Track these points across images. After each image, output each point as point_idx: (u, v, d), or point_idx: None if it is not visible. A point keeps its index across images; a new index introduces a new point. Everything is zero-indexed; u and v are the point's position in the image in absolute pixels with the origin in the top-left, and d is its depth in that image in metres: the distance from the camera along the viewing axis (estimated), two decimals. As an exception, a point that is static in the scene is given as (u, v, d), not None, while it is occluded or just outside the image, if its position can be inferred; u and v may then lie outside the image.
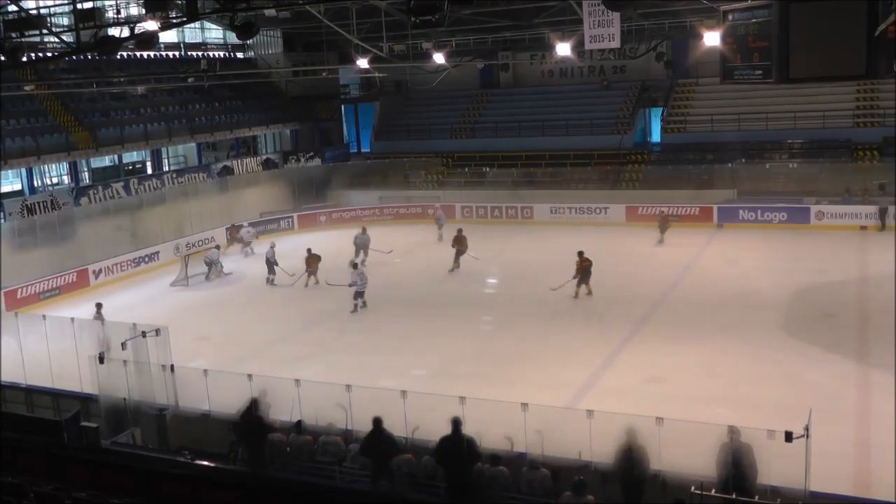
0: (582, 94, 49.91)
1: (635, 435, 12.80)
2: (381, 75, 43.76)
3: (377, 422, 13.98)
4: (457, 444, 13.23)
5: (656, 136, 48.32)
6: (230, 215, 40.82)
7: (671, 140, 45.26)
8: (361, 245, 34.86)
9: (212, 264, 33.71)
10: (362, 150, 54.89)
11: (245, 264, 35.72)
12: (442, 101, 51.98)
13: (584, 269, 28.18)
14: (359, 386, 15.44)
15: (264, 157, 48.55)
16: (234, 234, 38.95)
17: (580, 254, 28.42)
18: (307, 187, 45.63)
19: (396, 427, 14.56)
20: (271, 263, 32.56)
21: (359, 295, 27.89)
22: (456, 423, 13.35)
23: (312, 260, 31.64)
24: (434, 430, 13.72)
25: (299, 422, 15.09)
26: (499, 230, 39.75)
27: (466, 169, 47.57)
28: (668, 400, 18.73)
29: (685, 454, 12.86)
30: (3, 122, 36.72)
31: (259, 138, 50.98)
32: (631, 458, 12.79)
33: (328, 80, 49.34)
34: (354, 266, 28.90)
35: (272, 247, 33.35)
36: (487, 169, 46.99)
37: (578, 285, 28.17)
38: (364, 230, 35.71)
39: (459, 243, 32.89)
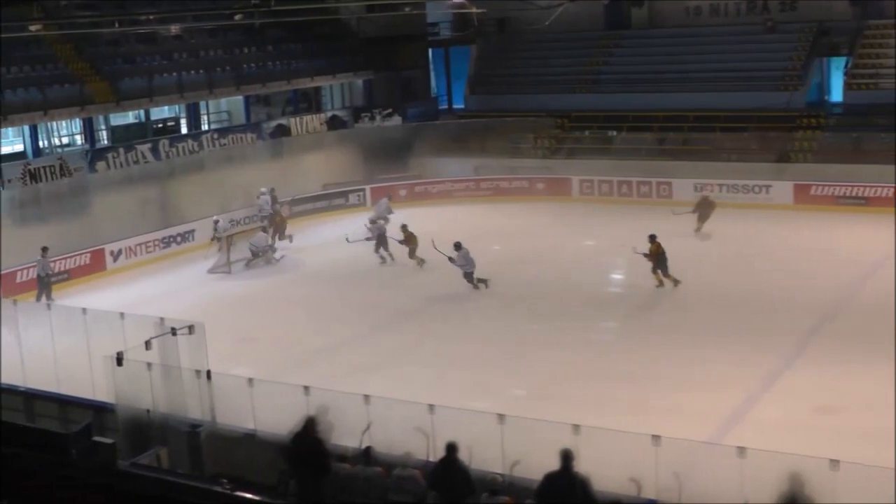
0: (738, 38, 49.16)
1: (802, 481, 12.56)
2: (479, 11, 43.66)
3: (450, 449, 14.07)
4: (566, 485, 13.16)
5: (837, 95, 47.40)
6: (286, 186, 41.16)
7: (857, 99, 44.32)
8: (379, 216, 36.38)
9: (258, 252, 33.93)
10: (454, 107, 54.99)
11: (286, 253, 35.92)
12: (557, 45, 51.65)
13: (657, 256, 29.21)
14: (444, 406, 15.44)
15: (329, 115, 48.92)
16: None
17: (652, 238, 29.32)
18: (383, 153, 45.79)
19: (491, 461, 14.52)
20: (383, 236, 33.45)
21: (468, 276, 29.87)
22: (566, 456, 13.27)
23: (412, 239, 32.40)
24: (538, 465, 13.68)
25: (368, 449, 15.17)
26: (627, 211, 39.45)
27: (587, 132, 47.32)
28: (845, 437, 18.43)
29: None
30: (2, 69, 37.45)
31: (323, 91, 51.38)
32: (796, 511, 12.59)
33: (412, 18, 49.42)
34: (458, 247, 30.04)
35: (385, 221, 34.95)
36: (614, 133, 46.63)
37: (656, 272, 29.29)
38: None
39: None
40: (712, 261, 32.11)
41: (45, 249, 30.18)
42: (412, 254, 32.98)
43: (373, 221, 35.63)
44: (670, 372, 22.83)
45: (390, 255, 33.42)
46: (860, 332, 25.06)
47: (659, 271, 29.16)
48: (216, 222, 35.67)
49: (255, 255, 34.04)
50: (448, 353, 25.02)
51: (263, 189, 38.48)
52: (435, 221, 36.60)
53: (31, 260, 30.50)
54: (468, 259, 29.79)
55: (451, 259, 29.85)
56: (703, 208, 35.88)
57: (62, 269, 32.16)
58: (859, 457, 13.45)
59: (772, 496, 12.61)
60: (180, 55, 44.29)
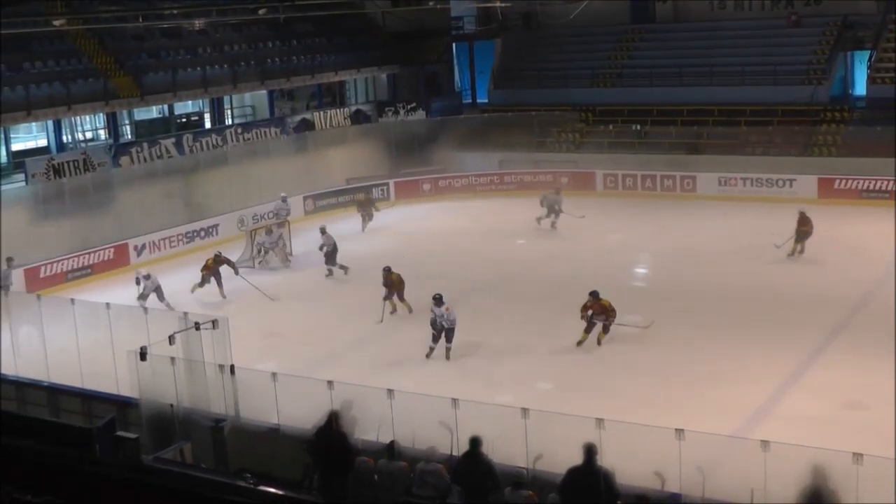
0: (763, 33, 48.94)
1: (825, 476, 12.52)
2: (503, 5, 43.62)
3: (474, 443, 14.10)
4: (590, 479, 13.14)
5: (861, 89, 47.18)
6: (309, 180, 41.19)
7: (881, 93, 43.98)
8: (550, 205, 36.24)
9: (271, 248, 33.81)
10: (478, 101, 54.83)
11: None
12: (581, 39, 51.65)
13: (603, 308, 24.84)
14: (468, 401, 15.43)
15: (354, 109, 48.93)
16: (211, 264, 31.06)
17: (594, 295, 24.88)
18: (407, 147, 45.83)
19: (516, 455, 14.58)
20: (334, 251, 32.14)
21: (441, 333, 24.51)
22: (590, 450, 13.26)
23: (396, 283, 28.13)
24: (562, 460, 13.69)
25: (392, 443, 15.15)
26: (651, 206, 39.40)
27: (611, 126, 47.19)
28: (871, 432, 18.25)
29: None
30: (27, 64, 37.62)
31: (347, 85, 51.41)
32: (819, 505, 12.53)
33: (436, 12, 49.42)
34: (438, 301, 24.51)
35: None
36: (638, 127, 46.54)
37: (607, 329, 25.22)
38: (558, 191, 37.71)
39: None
40: (737, 255, 31.96)
41: (9, 260, 29.01)
42: (399, 297, 28.06)
43: (551, 221, 36.36)
44: (696, 367, 22.80)
45: (336, 267, 31.68)
46: (887, 327, 24.86)
47: (603, 328, 24.91)
48: (146, 278, 29.20)
49: (265, 251, 33.84)
50: (473, 347, 24.98)
51: (283, 193, 38.05)
52: (459, 216, 36.54)
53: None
54: (451, 317, 24.25)
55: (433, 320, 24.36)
56: (802, 227, 31.81)
57: (86, 263, 32.39)
58: (886, 453, 13.37)
59: (796, 490, 12.57)
60: (204, 50, 44.40)
